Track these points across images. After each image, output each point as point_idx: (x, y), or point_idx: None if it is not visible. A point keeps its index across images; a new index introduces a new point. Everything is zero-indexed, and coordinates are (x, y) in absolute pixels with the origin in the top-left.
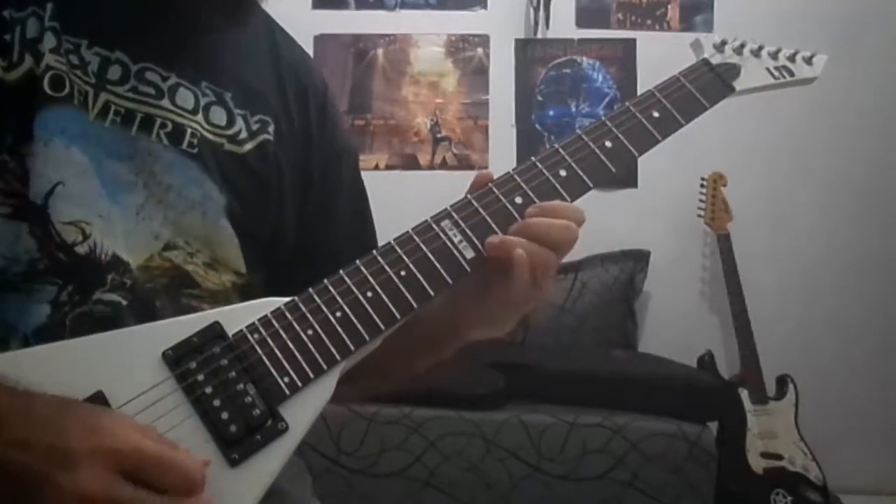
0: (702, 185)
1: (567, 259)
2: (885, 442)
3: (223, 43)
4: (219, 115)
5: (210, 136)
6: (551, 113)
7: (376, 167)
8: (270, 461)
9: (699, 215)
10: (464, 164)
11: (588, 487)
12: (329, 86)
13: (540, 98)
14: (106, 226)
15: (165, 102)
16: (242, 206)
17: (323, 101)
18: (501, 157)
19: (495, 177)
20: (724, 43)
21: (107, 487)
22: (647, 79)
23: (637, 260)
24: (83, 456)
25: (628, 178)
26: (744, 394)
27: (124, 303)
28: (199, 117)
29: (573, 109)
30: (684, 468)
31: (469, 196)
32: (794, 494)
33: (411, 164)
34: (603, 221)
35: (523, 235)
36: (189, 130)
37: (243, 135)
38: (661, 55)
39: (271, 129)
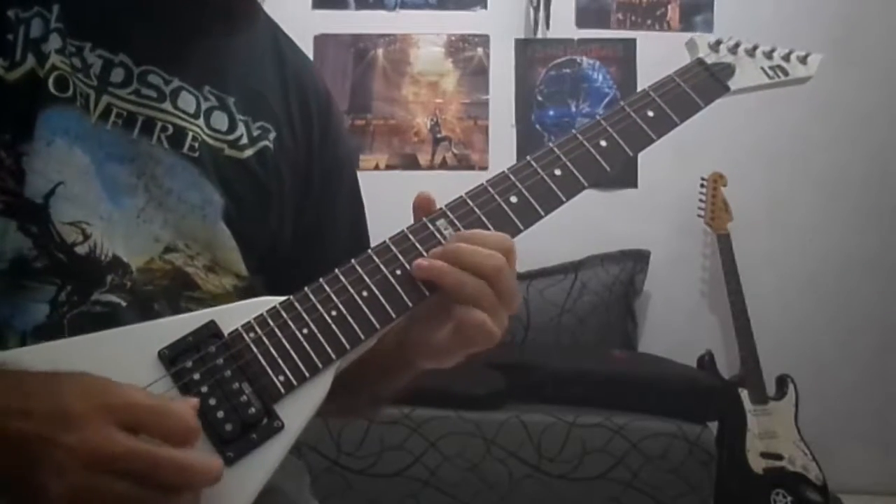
0: (702, 185)
1: (567, 259)
2: (885, 442)
3: (228, 47)
4: (220, 120)
5: (210, 141)
6: (551, 113)
7: (376, 167)
8: (266, 460)
9: (699, 215)
10: (464, 164)
11: (588, 487)
12: (331, 93)
13: (540, 98)
14: (107, 227)
15: (167, 105)
16: (240, 210)
17: (326, 109)
18: (501, 157)
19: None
20: (718, 42)
21: (110, 441)
22: (647, 79)
23: (637, 260)
24: (83, 415)
25: (628, 178)
26: (744, 394)
27: (123, 304)
28: (200, 121)
29: (573, 109)
30: (684, 468)
31: (464, 195)
32: (794, 494)
33: (411, 164)
34: (603, 221)
35: (448, 260)
36: (190, 134)
37: (244, 140)
38: (660, 55)
39: (272, 136)
